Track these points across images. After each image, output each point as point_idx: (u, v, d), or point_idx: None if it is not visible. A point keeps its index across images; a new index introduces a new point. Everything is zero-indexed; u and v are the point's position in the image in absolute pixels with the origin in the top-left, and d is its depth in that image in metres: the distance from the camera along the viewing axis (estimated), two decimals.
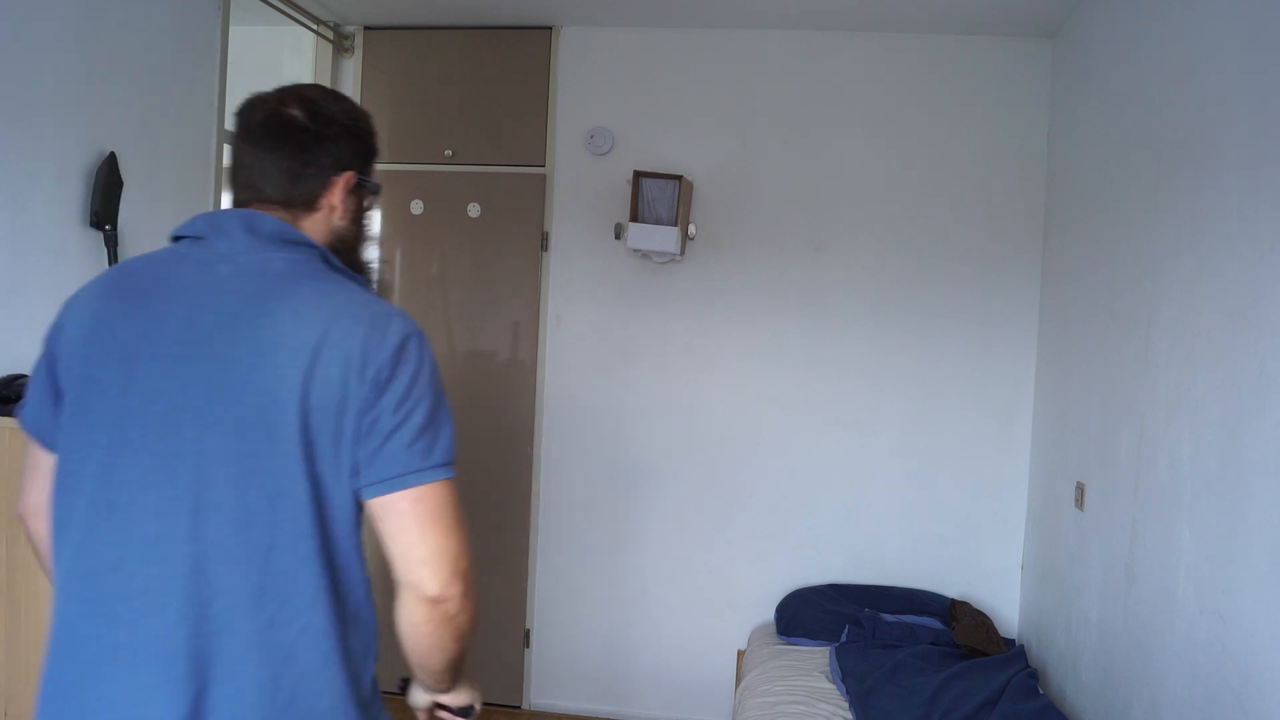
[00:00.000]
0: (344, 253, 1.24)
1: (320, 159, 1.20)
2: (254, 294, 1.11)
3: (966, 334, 3.33)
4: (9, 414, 1.97)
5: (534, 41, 3.50)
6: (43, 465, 1.19)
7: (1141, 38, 2.48)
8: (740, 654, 3.39)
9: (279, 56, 3.62)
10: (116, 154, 2.41)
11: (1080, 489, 2.73)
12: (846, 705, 2.58)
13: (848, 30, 3.35)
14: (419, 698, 1.34)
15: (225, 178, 1.28)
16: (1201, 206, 2.05)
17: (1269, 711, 1.66)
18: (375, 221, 1.34)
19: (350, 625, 1.13)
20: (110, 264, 2.37)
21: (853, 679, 2.66)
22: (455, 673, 1.25)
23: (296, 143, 1.19)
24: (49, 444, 1.17)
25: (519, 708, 3.51)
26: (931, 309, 3.34)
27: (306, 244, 1.17)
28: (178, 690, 1.04)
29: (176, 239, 1.19)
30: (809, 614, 3.12)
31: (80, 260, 2.33)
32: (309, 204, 1.21)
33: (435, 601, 1.11)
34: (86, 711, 1.06)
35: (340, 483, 1.10)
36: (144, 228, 2.56)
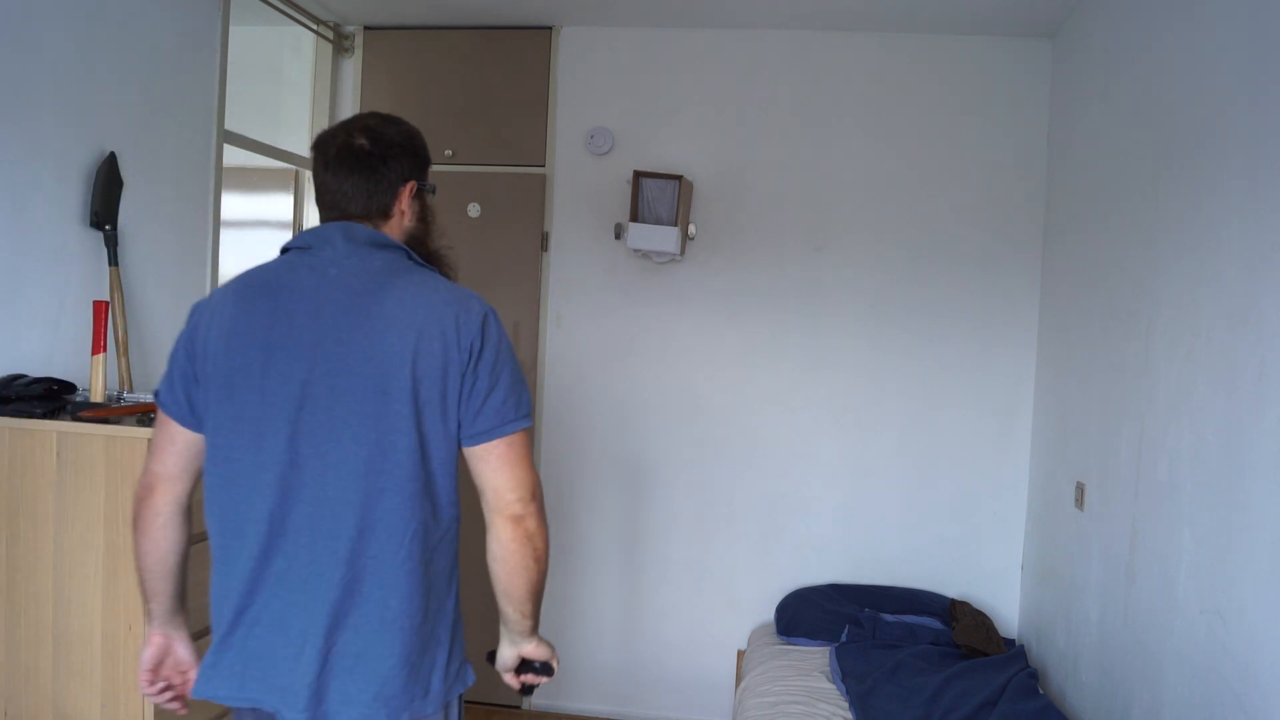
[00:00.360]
0: (418, 247, 1.52)
1: (387, 176, 1.47)
2: (361, 289, 1.39)
3: (966, 334, 3.33)
4: (9, 414, 1.97)
5: (534, 41, 3.50)
6: (177, 440, 1.45)
7: (1141, 38, 2.48)
8: (740, 654, 3.39)
9: (279, 56, 3.62)
10: (116, 154, 2.41)
11: (1080, 489, 2.73)
12: (846, 705, 2.58)
13: (848, 30, 3.35)
14: (506, 655, 1.56)
15: (315, 200, 1.54)
16: (1201, 206, 2.05)
17: (1269, 711, 1.66)
18: (438, 221, 1.60)
19: (438, 554, 1.43)
20: (110, 264, 2.37)
21: (853, 679, 2.66)
22: (536, 601, 1.51)
23: (367, 166, 1.46)
24: (186, 424, 1.44)
25: (520, 708, 3.52)
26: (931, 309, 3.34)
27: (394, 246, 1.46)
28: (323, 607, 1.35)
29: (285, 250, 1.48)
30: (809, 614, 3.12)
31: (80, 260, 2.33)
32: (385, 214, 1.48)
33: (518, 519, 1.42)
34: (258, 625, 1.38)
35: (442, 434, 1.39)
36: (144, 228, 2.56)
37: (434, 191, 1.58)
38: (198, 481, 1.48)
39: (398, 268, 1.44)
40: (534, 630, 1.56)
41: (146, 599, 1.51)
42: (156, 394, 1.48)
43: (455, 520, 1.48)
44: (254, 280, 1.44)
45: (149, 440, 1.56)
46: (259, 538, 1.37)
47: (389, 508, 1.37)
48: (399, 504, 1.37)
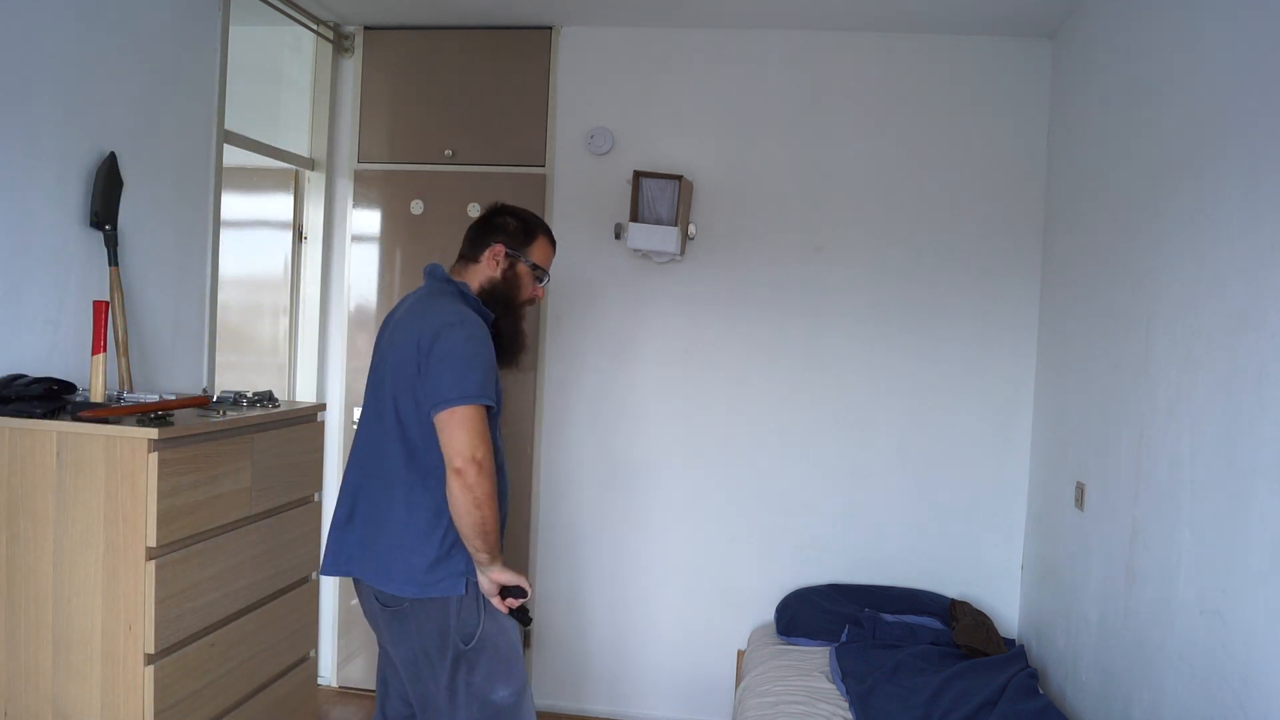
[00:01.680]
0: (489, 295, 2.14)
1: (480, 237, 2.18)
2: (413, 310, 2.07)
3: (966, 334, 3.33)
4: (9, 414, 1.97)
5: (534, 41, 3.50)
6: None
7: (1141, 37, 2.48)
8: (740, 654, 3.39)
9: (279, 56, 3.62)
10: (116, 154, 2.41)
11: (1080, 489, 2.73)
12: (846, 705, 2.58)
13: (848, 30, 3.35)
14: (482, 583, 1.98)
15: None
16: (1201, 207, 2.05)
17: (1269, 712, 1.66)
18: (528, 287, 2.19)
19: (423, 492, 1.99)
20: (110, 264, 2.37)
21: (853, 679, 2.66)
22: (485, 539, 1.93)
23: (473, 228, 2.21)
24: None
25: None
26: (931, 308, 3.34)
27: (451, 282, 2.11)
28: (344, 505, 2.12)
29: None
30: (809, 614, 3.12)
31: (80, 260, 2.33)
32: (471, 261, 2.17)
33: (458, 472, 1.89)
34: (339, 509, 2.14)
35: (415, 408, 1.98)
36: (144, 228, 2.56)
37: (533, 268, 2.19)
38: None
39: (437, 294, 2.07)
40: (492, 561, 1.96)
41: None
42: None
43: (441, 492, 1.99)
44: (403, 300, 2.18)
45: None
46: None
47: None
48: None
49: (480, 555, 1.95)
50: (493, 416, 2.01)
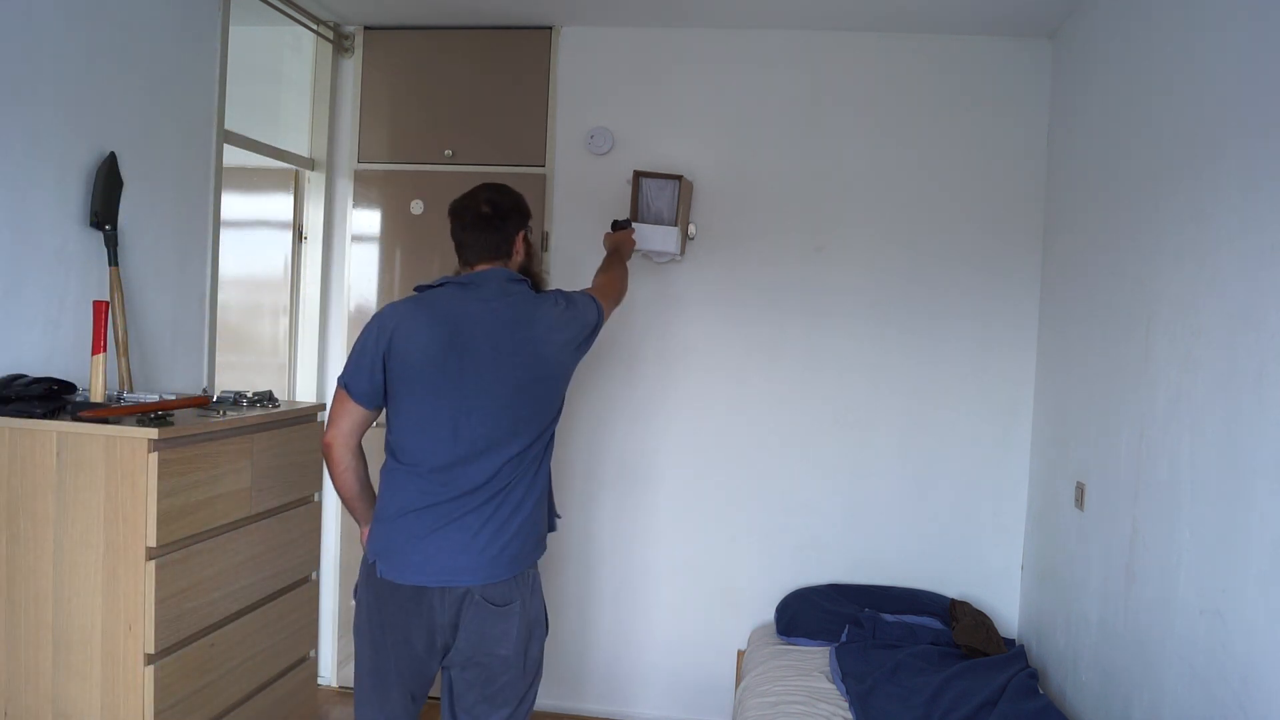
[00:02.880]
0: (529, 274, 2.21)
1: (505, 230, 2.16)
2: (515, 313, 2.10)
3: (966, 333, 3.33)
4: (9, 414, 1.97)
5: (534, 41, 3.50)
6: (355, 415, 2.07)
7: (1141, 37, 2.48)
8: (740, 654, 3.39)
9: (279, 56, 3.62)
10: (116, 154, 2.41)
11: (1080, 489, 2.73)
12: (846, 705, 2.58)
13: (848, 30, 3.35)
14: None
15: (457, 248, 2.20)
16: (1201, 206, 2.05)
17: (1269, 712, 1.66)
18: (538, 250, 2.39)
19: (540, 481, 2.18)
20: (110, 264, 2.37)
21: (853, 679, 2.66)
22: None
23: (492, 227, 2.15)
24: (369, 405, 2.06)
25: None
26: (931, 308, 3.34)
27: (523, 281, 2.16)
28: (458, 509, 2.09)
29: (429, 286, 2.14)
30: (809, 614, 3.12)
31: (80, 260, 2.33)
32: (506, 257, 2.17)
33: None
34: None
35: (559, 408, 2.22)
36: (144, 228, 2.56)
37: (533, 234, 2.27)
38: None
39: (531, 298, 2.15)
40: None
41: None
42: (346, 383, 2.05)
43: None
44: (432, 306, 2.08)
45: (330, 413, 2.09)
46: None
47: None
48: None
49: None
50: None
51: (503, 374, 2.04)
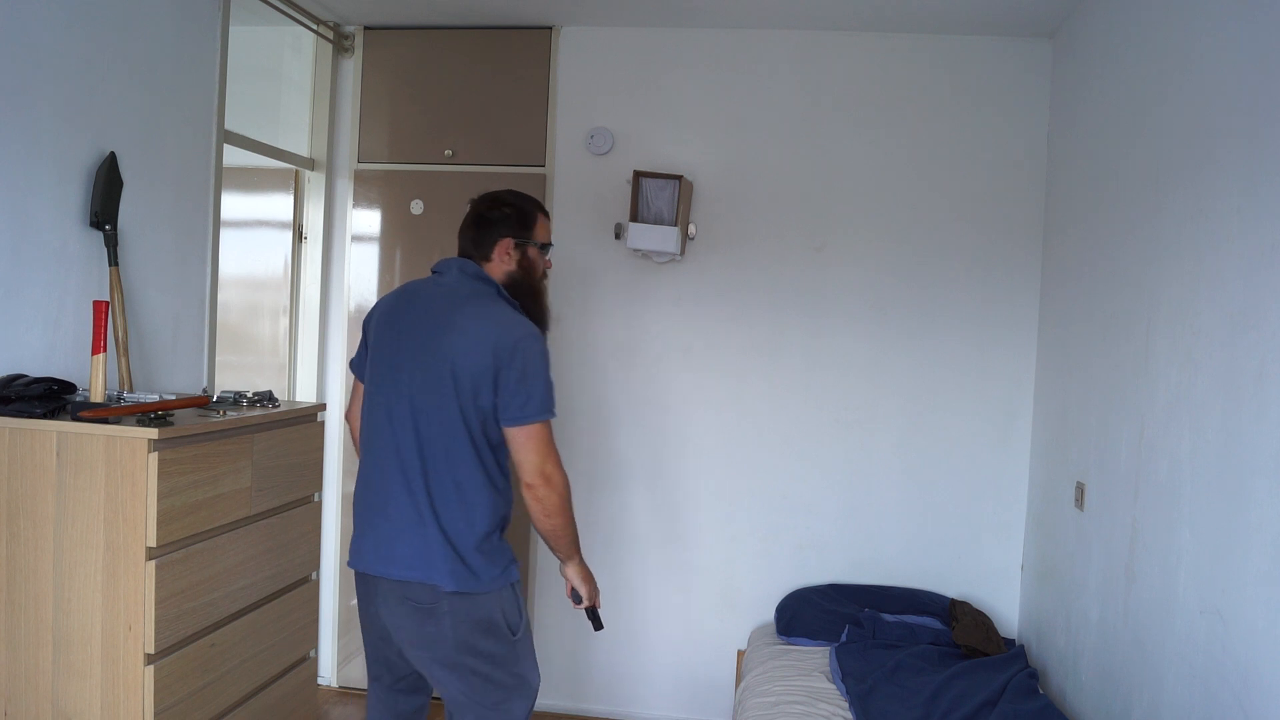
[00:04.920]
0: (513, 288, 2.14)
1: (488, 233, 2.15)
2: (449, 305, 2.05)
3: (966, 334, 3.33)
4: (9, 414, 1.97)
5: (534, 41, 3.50)
6: (358, 392, 2.22)
7: (1141, 37, 2.48)
8: (740, 654, 3.39)
9: (279, 56, 3.62)
10: (116, 154, 2.41)
11: (1080, 489, 2.73)
12: (846, 705, 2.58)
13: (848, 30, 3.35)
14: (566, 575, 2.22)
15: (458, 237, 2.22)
16: (1201, 206, 2.05)
17: (1269, 712, 1.66)
18: (540, 266, 2.22)
19: (485, 492, 2.07)
20: (110, 264, 2.37)
21: (853, 679, 2.66)
22: (558, 544, 2.13)
23: (476, 227, 2.17)
24: (362, 379, 2.18)
25: None
26: (931, 308, 3.34)
27: (488, 280, 2.12)
28: (378, 495, 2.09)
29: (434, 271, 2.18)
30: (809, 614, 3.12)
31: (80, 260, 2.33)
32: (484, 260, 2.15)
33: (529, 486, 2.04)
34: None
35: (474, 409, 2.00)
36: (144, 228, 2.56)
37: (541, 248, 2.21)
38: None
39: (479, 296, 2.07)
40: (568, 559, 2.19)
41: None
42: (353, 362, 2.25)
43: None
44: (406, 290, 2.17)
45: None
46: None
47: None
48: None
49: (559, 555, 2.17)
50: None
51: (417, 357, 2.02)
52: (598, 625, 2.27)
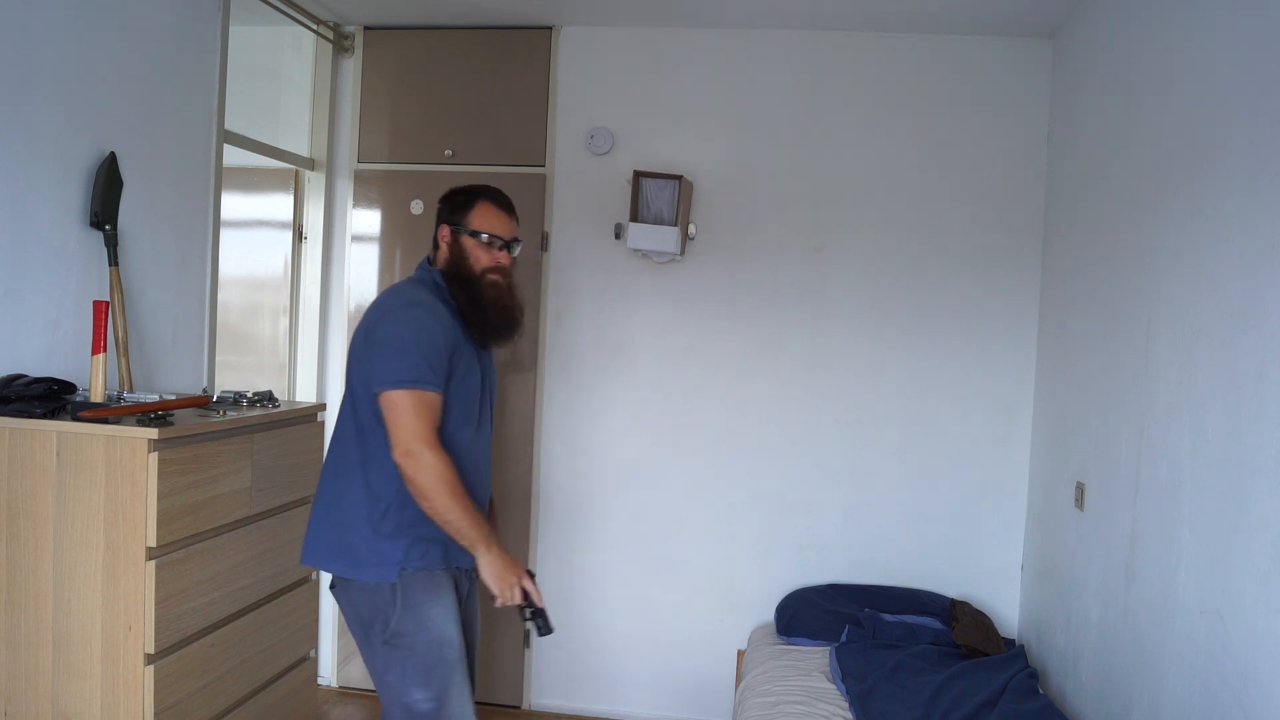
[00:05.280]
0: (451, 276, 2.07)
1: (437, 221, 2.14)
2: (382, 296, 2.09)
3: (966, 333, 3.33)
4: (9, 414, 1.97)
5: (534, 41, 3.50)
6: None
7: (1141, 37, 2.48)
8: (740, 654, 3.39)
9: (279, 56, 3.62)
10: (116, 154, 2.41)
11: (1080, 489, 2.73)
12: (846, 705, 2.58)
13: (848, 30, 3.35)
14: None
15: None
16: (1201, 207, 2.05)
17: (1269, 712, 1.66)
18: (481, 257, 2.08)
19: (366, 473, 2.00)
20: (110, 264, 2.37)
21: (853, 679, 2.66)
22: (446, 526, 1.90)
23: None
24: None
25: (519, 708, 3.51)
26: (931, 308, 3.34)
27: (425, 268, 2.12)
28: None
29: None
30: (809, 614, 3.12)
31: (80, 260, 2.33)
32: (435, 245, 2.14)
33: (398, 463, 1.89)
34: None
35: (359, 391, 1.99)
36: (144, 228, 2.56)
37: (475, 235, 2.07)
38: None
39: (404, 281, 2.10)
40: (473, 548, 1.94)
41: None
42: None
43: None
44: None
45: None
46: None
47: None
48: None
49: (461, 543, 1.93)
50: (448, 402, 1.97)
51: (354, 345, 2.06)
52: (543, 629, 1.96)
